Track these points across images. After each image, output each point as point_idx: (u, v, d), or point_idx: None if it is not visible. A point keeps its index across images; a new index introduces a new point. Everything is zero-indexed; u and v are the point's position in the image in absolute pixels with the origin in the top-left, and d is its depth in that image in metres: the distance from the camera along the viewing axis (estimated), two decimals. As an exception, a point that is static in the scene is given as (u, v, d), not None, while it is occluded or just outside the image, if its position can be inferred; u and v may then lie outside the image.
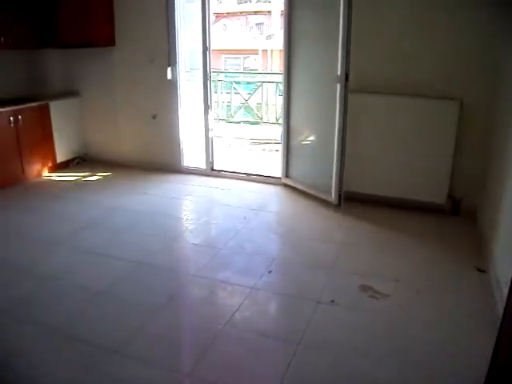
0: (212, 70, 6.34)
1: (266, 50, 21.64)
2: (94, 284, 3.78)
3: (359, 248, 4.36)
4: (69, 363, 2.94)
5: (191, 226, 4.92)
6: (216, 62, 20.03)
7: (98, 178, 6.52)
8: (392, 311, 3.40)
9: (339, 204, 5.15)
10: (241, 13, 23.86)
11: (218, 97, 10.32)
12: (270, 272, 3.92)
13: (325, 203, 5.27)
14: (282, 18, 5.54)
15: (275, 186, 5.94)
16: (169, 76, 6.23)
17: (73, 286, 3.78)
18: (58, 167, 6.86)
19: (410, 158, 5.01)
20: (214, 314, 3.41)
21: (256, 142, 8.59)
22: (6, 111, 6.05)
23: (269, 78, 11.89)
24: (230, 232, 4.69)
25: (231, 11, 23.68)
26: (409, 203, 5.09)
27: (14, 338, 3.20)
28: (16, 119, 6.14)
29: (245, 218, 4.99)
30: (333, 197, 5.16)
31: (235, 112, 10.23)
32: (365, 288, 3.65)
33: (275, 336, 3.16)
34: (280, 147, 6.03)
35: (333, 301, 3.49)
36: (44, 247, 4.50)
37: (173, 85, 6.28)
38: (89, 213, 5.29)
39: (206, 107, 6.17)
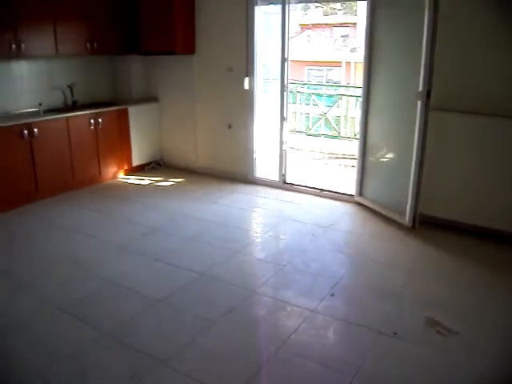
0: (290, 81, 6.26)
1: (350, 63, 21.34)
2: (154, 292, 3.77)
3: (430, 277, 4.06)
4: (115, 369, 2.93)
5: (257, 240, 4.82)
6: (299, 74, 19.97)
7: (171, 183, 6.58)
8: (459, 351, 3.11)
9: (413, 227, 4.89)
10: (326, 24, 23.68)
11: (297, 108, 10.22)
12: (332, 295, 3.74)
13: (398, 225, 5.01)
14: (364, 31, 5.36)
15: (348, 204, 5.73)
16: (246, 86, 6.19)
17: (132, 292, 3.79)
18: (134, 170, 7.00)
19: (495, 183, 4.65)
20: (269, 334, 3.29)
21: (332, 157, 8.41)
22: (87, 114, 6.26)
23: (350, 91, 11.67)
24: (296, 249, 4.56)
25: (316, 23, 23.54)
26: (490, 232, 4.69)
27: (68, 337, 3.24)
28: (96, 122, 6.32)
29: (313, 235, 4.83)
30: (407, 219, 4.91)
31: (313, 124, 10.09)
32: (432, 322, 3.38)
33: (330, 365, 2.97)
34: (356, 163, 5.83)
35: (395, 333, 3.25)
36: (110, 249, 4.59)
37: (249, 95, 6.24)
38: (157, 218, 5.33)
39: (282, 119, 6.07)
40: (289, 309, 3.57)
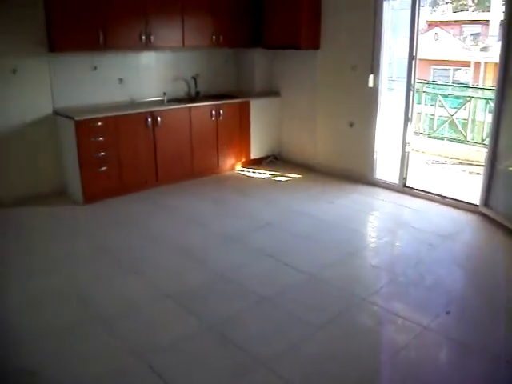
0: (417, 81, 5.94)
1: (479, 63, 20.17)
2: (261, 288, 3.70)
3: None
4: (216, 365, 2.89)
5: (372, 245, 4.61)
6: (424, 73, 19.18)
7: (288, 179, 6.51)
8: None
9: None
10: (455, 22, 22.53)
11: (421, 109, 9.76)
12: (447, 313, 3.44)
13: (529, 241, 4.58)
14: (501, 28, 4.91)
15: (471, 214, 5.28)
16: (370, 84, 5.94)
17: (240, 287, 3.75)
18: (251, 163, 7.01)
19: None
20: (375, 348, 3.09)
21: (456, 162, 7.95)
22: (209, 105, 6.35)
23: (479, 93, 10.99)
24: (411, 258, 4.28)
25: (445, 20, 22.47)
26: None
27: (171, 326, 3.25)
28: (217, 113, 6.39)
29: (431, 245, 4.50)
30: (540, 235, 4.49)
31: (438, 127, 9.59)
32: None
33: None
34: (482, 171, 5.41)
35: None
36: (221, 241, 4.60)
37: (373, 93, 5.98)
38: (271, 213, 5.28)
39: (406, 119, 5.77)
40: (400, 322, 3.33)
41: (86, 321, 3.35)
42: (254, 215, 5.21)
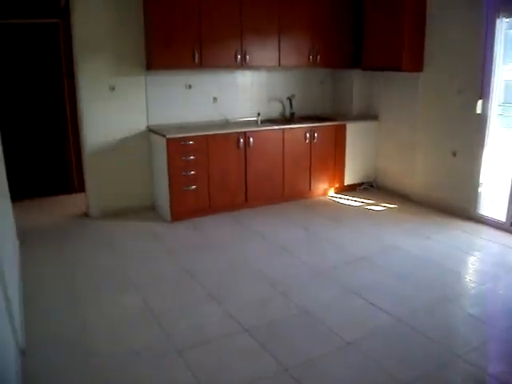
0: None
1: None
2: (345, 331, 3.35)
3: None
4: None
5: (471, 290, 4.07)
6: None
7: (382, 208, 6.10)
8: None
9: None
10: None
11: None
12: None
13: None
14: None
15: None
16: (478, 110, 5.40)
17: (322, 326, 3.43)
18: (345, 189, 6.69)
19: None
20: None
21: None
22: (303, 127, 6.12)
23: None
24: (519, 311, 3.73)
25: None
26: None
27: (246, 366, 2.98)
28: (312, 136, 6.16)
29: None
30: None
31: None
32: None
33: None
34: None
35: None
36: (307, 272, 4.31)
37: (481, 120, 5.43)
38: (362, 246, 4.92)
39: (519, 150, 5.23)
40: (504, 389, 2.86)
41: (158, 347, 3.20)
42: (344, 247, 4.88)
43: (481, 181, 5.57)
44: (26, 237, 5.09)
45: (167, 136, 5.31)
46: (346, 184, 6.68)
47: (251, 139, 5.76)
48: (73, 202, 6.47)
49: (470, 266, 4.66)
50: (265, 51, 5.90)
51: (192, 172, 5.51)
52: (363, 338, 3.28)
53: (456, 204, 5.81)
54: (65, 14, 5.85)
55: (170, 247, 4.93)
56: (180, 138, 5.40)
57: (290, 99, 6.51)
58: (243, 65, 5.81)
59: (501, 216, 5.40)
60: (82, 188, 6.17)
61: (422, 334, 3.35)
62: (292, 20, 5.98)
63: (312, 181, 6.38)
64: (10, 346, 2.84)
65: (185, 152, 5.43)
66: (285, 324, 3.48)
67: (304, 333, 3.37)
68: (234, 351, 3.17)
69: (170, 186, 5.44)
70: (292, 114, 6.53)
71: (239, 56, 5.71)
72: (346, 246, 4.90)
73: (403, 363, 3.03)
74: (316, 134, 6.19)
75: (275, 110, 6.55)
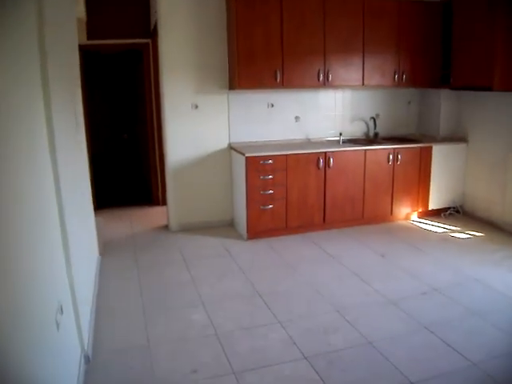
0: None
1: None
2: (411, 370, 3.15)
3: None
4: None
5: None
6: None
7: (468, 236, 5.77)
8: None
9: None
10: None
11: None
12: None
13: None
14: None
15: None
16: None
17: (386, 362, 3.25)
18: (428, 214, 6.41)
19: None
20: None
21: None
22: (386, 149, 5.94)
23: None
24: None
25: None
26: None
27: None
28: (395, 158, 5.96)
29: None
30: None
31: None
32: None
33: None
34: None
35: None
36: (378, 302, 4.14)
37: None
38: (443, 276, 4.65)
39: None
40: None
41: (216, 366, 3.20)
42: (420, 276, 4.64)
43: None
44: (107, 246, 5.31)
45: (246, 154, 5.34)
46: (430, 209, 6.38)
47: (331, 159, 5.66)
48: (155, 214, 6.67)
49: None
50: (348, 70, 5.81)
51: (270, 191, 5.51)
52: (429, 380, 3.09)
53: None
54: (154, 35, 6.06)
55: (243, 265, 4.94)
56: (259, 156, 5.41)
57: (373, 119, 6.36)
58: (326, 84, 5.75)
59: None
60: (165, 201, 6.34)
61: (499, 381, 3.09)
62: (376, 38, 5.84)
63: (394, 204, 6.17)
64: (76, 351, 2.94)
65: (263, 171, 5.44)
66: (347, 355, 3.35)
67: (366, 367, 3.23)
68: (290, 379, 3.09)
69: (247, 204, 5.47)
70: (376, 135, 6.37)
71: (322, 75, 5.66)
72: (423, 275, 4.67)
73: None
74: (400, 156, 5.98)
75: (358, 130, 6.42)
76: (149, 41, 6.66)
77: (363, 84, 5.93)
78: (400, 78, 6.02)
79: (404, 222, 6.23)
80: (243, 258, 5.13)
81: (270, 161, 5.45)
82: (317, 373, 3.14)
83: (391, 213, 6.19)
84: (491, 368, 3.19)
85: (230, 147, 5.88)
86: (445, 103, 6.48)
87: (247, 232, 5.57)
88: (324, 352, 3.38)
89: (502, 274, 4.71)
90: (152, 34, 6.40)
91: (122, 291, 4.40)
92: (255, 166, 5.40)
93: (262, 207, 5.51)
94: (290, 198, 5.61)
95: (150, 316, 3.91)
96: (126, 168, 8.28)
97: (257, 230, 5.58)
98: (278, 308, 4.01)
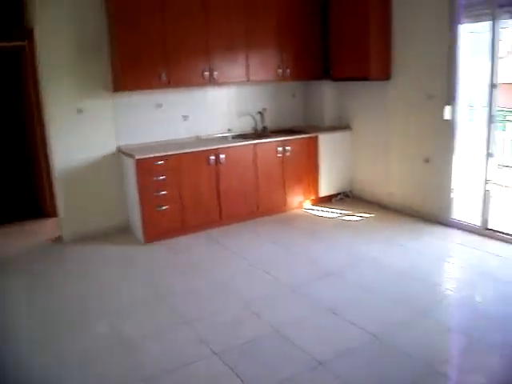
0: (499, 109, 5.37)
1: None
2: (318, 350, 3.29)
3: None
4: None
5: (447, 300, 4.02)
6: (510, 98, 18.03)
7: (359, 218, 6.06)
8: None
9: None
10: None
11: (507, 138, 9.01)
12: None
13: None
14: None
15: None
16: (446, 116, 5.41)
17: (294, 346, 3.36)
18: (320, 201, 6.65)
19: None
20: None
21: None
22: (275, 141, 6.08)
23: None
24: (495, 319, 3.65)
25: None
26: None
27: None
28: (284, 149, 6.11)
29: (520, 302, 3.90)
30: None
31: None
32: None
33: None
34: None
35: None
36: (281, 290, 4.25)
37: (450, 126, 5.44)
38: (338, 259, 4.87)
39: (487, 154, 5.21)
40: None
41: (126, 375, 3.13)
42: (318, 261, 4.82)
43: (453, 186, 5.56)
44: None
45: (136, 157, 5.24)
46: (321, 196, 6.64)
47: (222, 156, 5.70)
48: (46, 227, 6.34)
49: (446, 273, 4.65)
50: (233, 67, 5.87)
51: (164, 192, 5.44)
52: (337, 357, 3.22)
53: (431, 210, 5.80)
54: (31, 36, 5.76)
55: (143, 270, 4.86)
56: (149, 158, 5.32)
57: (261, 113, 6.47)
58: (211, 82, 5.77)
59: (474, 220, 5.40)
60: (55, 212, 6.06)
61: (397, 349, 3.29)
62: (258, 35, 5.97)
63: (287, 194, 6.34)
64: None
65: (155, 172, 5.36)
66: (255, 345, 3.41)
67: (275, 353, 3.30)
68: (202, 376, 3.10)
69: (141, 207, 5.37)
70: (264, 128, 6.49)
71: (206, 73, 5.67)
72: (321, 260, 4.85)
73: (376, 381, 2.98)
74: (288, 147, 6.15)
75: (247, 125, 6.51)
76: (25, 43, 6.31)
77: (248, 80, 6.03)
78: (283, 72, 6.19)
79: (298, 211, 6.41)
80: (142, 263, 5.04)
81: (161, 161, 5.38)
82: (229, 367, 3.16)
83: (285, 203, 6.35)
84: (389, 338, 3.43)
85: (119, 150, 5.73)
86: (328, 94, 6.76)
87: (144, 236, 5.46)
88: (234, 346, 3.40)
89: (388, 250, 5.05)
90: (28, 35, 6.07)
91: (18, 310, 4.16)
92: (146, 167, 5.31)
93: (157, 209, 5.43)
94: (184, 197, 5.58)
95: (52, 332, 3.73)
96: (10, 179, 7.80)
97: (154, 233, 5.50)
98: (184, 308, 3.99)
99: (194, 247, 5.37)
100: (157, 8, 5.33)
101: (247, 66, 5.95)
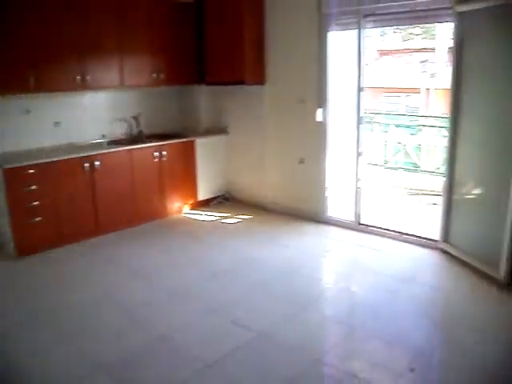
0: (366, 112, 5.76)
1: (429, 89, 20.51)
2: (207, 352, 3.34)
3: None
4: None
5: (327, 293, 4.29)
6: (376, 101, 19.31)
7: (238, 220, 6.17)
8: None
9: (510, 283, 4.20)
10: (404, 50, 22.97)
11: (373, 140, 9.63)
12: (412, 370, 3.12)
13: (492, 280, 4.28)
14: (450, 54, 4.77)
15: (431, 251, 5.03)
16: (318, 118, 5.72)
17: (182, 351, 3.38)
18: (199, 205, 6.68)
19: None
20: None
21: (412, 193, 7.76)
22: (151, 146, 6.01)
23: (431, 121, 10.96)
24: (369, 307, 3.95)
25: (394, 48, 22.89)
26: None
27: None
28: (160, 154, 6.06)
29: (391, 292, 4.20)
30: (501, 274, 4.25)
31: (392, 157, 9.43)
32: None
33: None
34: (440, 201, 5.17)
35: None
36: (166, 296, 4.22)
37: (322, 128, 5.75)
38: (220, 261, 4.94)
39: (357, 154, 5.54)
40: (360, 386, 3.00)
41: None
42: (202, 264, 4.86)
43: (327, 185, 5.85)
44: None
45: (3, 166, 4.91)
46: (200, 199, 6.67)
47: (97, 163, 5.52)
48: None
49: (324, 268, 4.92)
50: (106, 72, 5.72)
51: (36, 202, 5.15)
52: (225, 357, 3.29)
53: (307, 209, 6.06)
54: None
55: (16, 286, 4.56)
56: (19, 167, 5.01)
57: (136, 118, 6.35)
58: (84, 86, 5.55)
59: (349, 216, 5.72)
60: None
61: (283, 343, 3.44)
62: (132, 39, 5.85)
63: (165, 200, 6.29)
64: None
65: (26, 182, 5.05)
66: (142, 354, 3.37)
67: (163, 361, 3.29)
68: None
69: (11, 219, 5.04)
70: (139, 133, 6.38)
71: (79, 77, 5.45)
72: (203, 263, 4.90)
73: (264, 378, 3.07)
74: (165, 152, 6.11)
75: (122, 130, 6.34)
76: None
77: (123, 85, 5.89)
78: (158, 76, 6.11)
79: (178, 216, 6.39)
80: (16, 279, 4.73)
81: (32, 170, 5.09)
82: (115, 380, 3.08)
83: (164, 208, 6.31)
84: (274, 333, 3.56)
85: (-15, 160, 5.35)
86: (204, 99, 6.82)
87: (16, 250, 5.12)
88: (119, 357, 3.34)
89: (271, 249, 5.23)
90: None
91: None
92: (15, 177, 4.98)
93: (30, 221, 5.12)
94: (59, 207, 5.33)
95: None
96: None
97: (28, 246, 5.16)
98: (63, 324, 3.82)
99: (69, 259, 5.13)
100: (26, 7, 5.00)
101: (121, 71, 5.82)
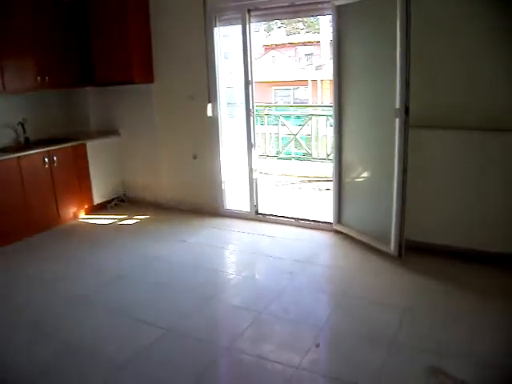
0: (256, 104, 5.90)
1: (316, 81, 21.25)
2: (117, 354, 3.30)
3: (425, 314, 3.64)
4: None
5: (231, 282, 4.38)
6: (266, 95, 19.74)
7: (136, 221, 6.12)
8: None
9: (399, 256, 4.51)
10: (290, 44, 23.61)
11: (265, 131, 9.86)
12: (317, 346, 3.30)
13: (383, 255, 4.62)
14: (331, 47, 5.04)
15: (326, 233, 5.31)
16: (209, 113, 5.79)
17: (92, 357, 3.31)
18: (95, 209, 6.52)
19: (480, 202, 4.35)
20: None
21: (305, 180, 8.05)
22: (40, 152, 5.78)
23: (319, 110, 11.37)
24: (272, 291, 4.10)
25: (280, 43, 23.46)
26: (480, 254, 4.37)
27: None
28: (51, 160, 5.85)
29: (291, 273, 4.40)
30: (392, 248, 4.54)
31: (283, 147, 9.71)
32: (433, 370, 2.97)
33: None
34: (331, 186, 5.43)
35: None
36: (68, 302, 4.10)
37: (213, 122, 5.84)
38: (121, 263, 4.87)
39: (250, 146, 5.68)
40: (270, 367, 3.10)
41: None
42: (103, 268, 4.76)
43: (223, 178, 5.94)
44: None
45: None
46: (96, 203, 6.51)
47: (-19, 173, 5.25)
48: None
49: (227, 259, 5.02)
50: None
51: None
52: (136, 357, 3.26)
53: (205, 204, 6.13)
54: None
55: None
56: None
57: (22, 124, 6.07)
58: (-42, 93, 5.26)
59: (246, 207, 5.85)
60: None
61: (192, 336, 3.48)
62: (11, 42, 5.54)
63: (59, 206, 6.07)
64: None
65: None
66: (50, 364, 3.25)
67: (73, 369, 3.20)
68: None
69: None
70: (27, 140, 6.11)
71: (-50, 83, 5.15)
72: (103, 266, 4.81)
73: (176, 371, 3.11)
74: (55, 157, 5.89)
75: (7, 137, 6.03)
76: None
77: (4, 89, 5.56)
78: (43, 79, 5.83)
79: (74, 222, 6.20)
80: None
81: None
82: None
83: (59, 215, 6.08)
84: (182, 328, 3.59)
85: None
86: (93, 100, 6.65)
87: None
88: (26, 373, 3.19)
89: (170, 246, 5.25)
90: None
91: None
92: None
93: None
94: None
95: None
96: None
97: None
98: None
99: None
100: None
101: (1, 74, 5.51)
